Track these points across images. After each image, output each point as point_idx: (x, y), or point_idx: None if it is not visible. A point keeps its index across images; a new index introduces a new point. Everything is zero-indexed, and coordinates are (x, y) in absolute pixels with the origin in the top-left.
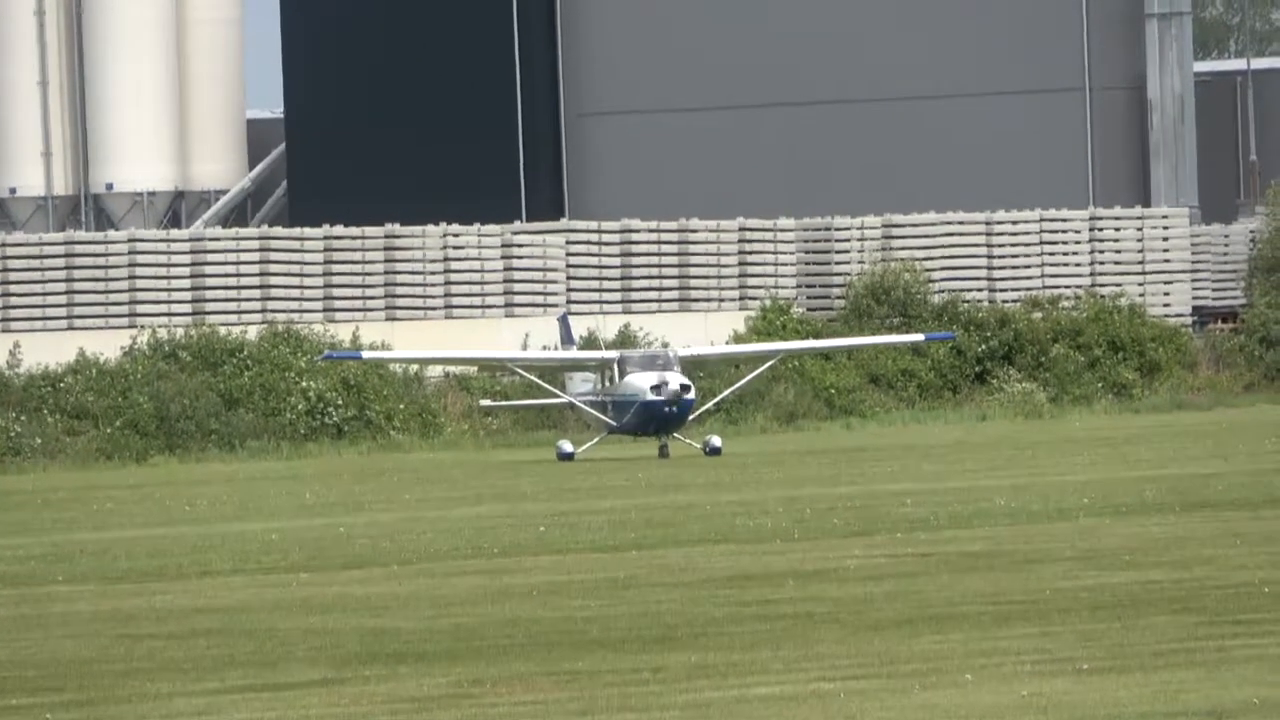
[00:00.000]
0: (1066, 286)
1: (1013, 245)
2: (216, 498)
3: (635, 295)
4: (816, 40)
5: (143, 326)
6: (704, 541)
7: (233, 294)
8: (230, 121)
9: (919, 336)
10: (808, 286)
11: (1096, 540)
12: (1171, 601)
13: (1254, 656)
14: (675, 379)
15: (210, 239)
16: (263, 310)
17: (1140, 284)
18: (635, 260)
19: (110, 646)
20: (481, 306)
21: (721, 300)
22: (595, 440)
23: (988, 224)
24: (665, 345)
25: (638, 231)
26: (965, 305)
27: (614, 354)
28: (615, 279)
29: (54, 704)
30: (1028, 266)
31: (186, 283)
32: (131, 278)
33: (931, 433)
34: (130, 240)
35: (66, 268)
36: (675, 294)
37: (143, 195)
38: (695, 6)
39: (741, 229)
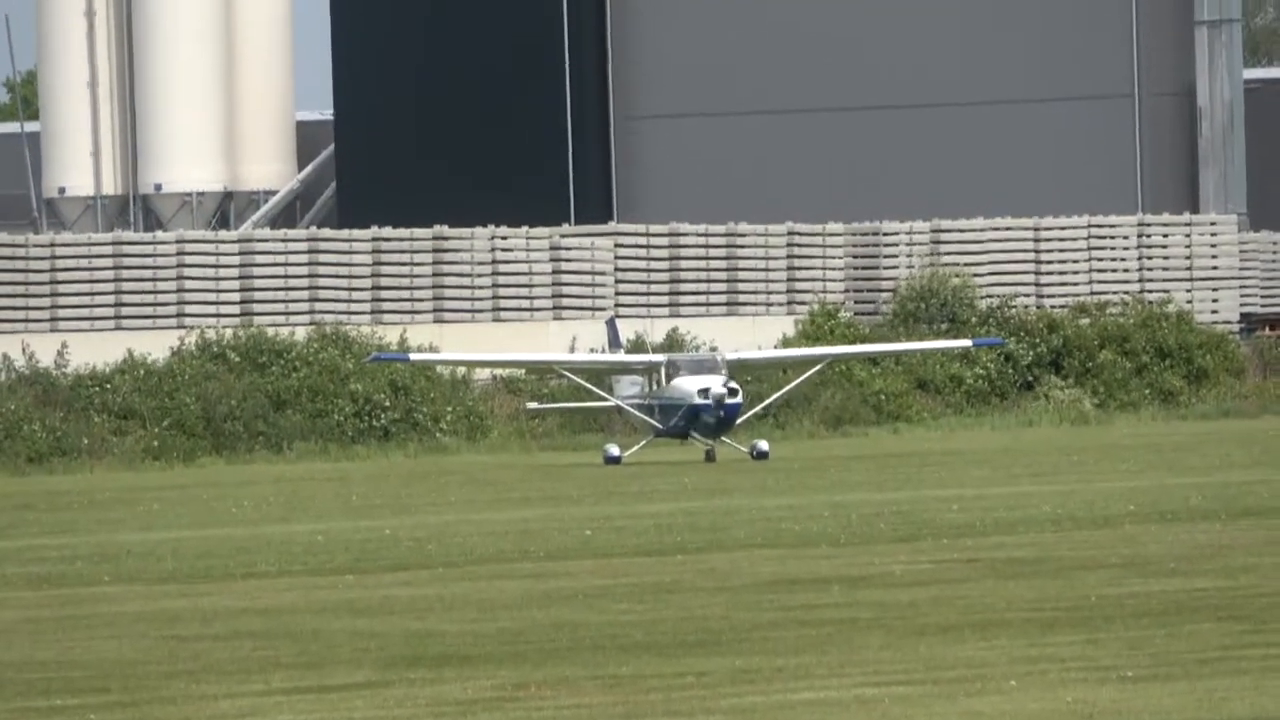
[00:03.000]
0: (1114, 292)
1: (1061, 251)
2: (263, 499)
3: (683, 299)
4: (866, 45)
5: (191, 327)
6: (750, 546)
7: (281, 295)
8: (279, 123)
9: (967, 342)
10: (856, 291)
11: (1142, 547)
12: (1217, 609)
13: None
14: (722, 383)
15: (259, 240)
16: (311, 311)
17: (1188, 290)
18: (683, 264)
19: (155, 647)
20: (529, 309)
21: (769, 304)
22: (642, 444)
23: (1036, 229)
24: (713, 349)
25: (686, 235)
26: (1013, 310)
27: (661, 357)
28: (663, 282)
29: (99, 705)
30: (1076, 272)
31: (235, 284)
32: (180, 278)
33: (978, 439)
34: (178, 241)
35: (115, 268)
36: (723, 298)
37: (191, 196)
38: (745, 11)
39: (790, 233)
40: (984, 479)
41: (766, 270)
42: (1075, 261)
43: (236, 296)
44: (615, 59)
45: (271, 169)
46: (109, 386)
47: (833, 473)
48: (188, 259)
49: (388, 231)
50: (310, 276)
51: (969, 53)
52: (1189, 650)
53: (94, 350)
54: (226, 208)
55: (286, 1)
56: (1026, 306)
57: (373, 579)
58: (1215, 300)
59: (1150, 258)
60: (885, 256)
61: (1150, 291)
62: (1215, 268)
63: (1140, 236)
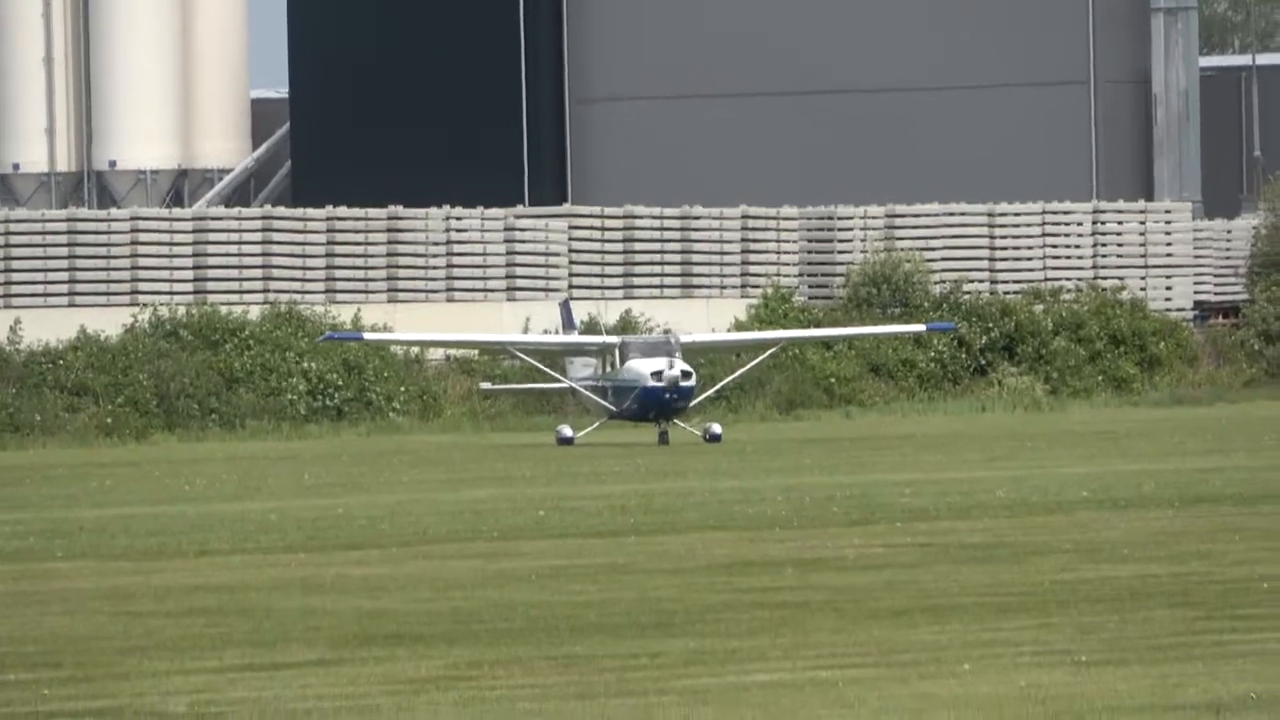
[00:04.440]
0: (1068, 279)
1: (1015, 237)
2: (216, 477)
3: (637, 281)
4: (822, 29)
5: (144, 305)
6: (703, 528)
7: (234, 274)
8: (234, 101)
9: (920, 327)
10: (810, 275)
11: (1095, 533)
12: (1170, 595)
13: (1252, 651)
14: (676, 365)
15: (213, 218)
16: (264, 290)
17: (1142, 278)
18: (638, 246)
19: (108, 624)
20: (483, 290)
21: (723, 287)
22: (595, 425)
23: (990, 215)
24: (667, 331)
25: (640, 217)
26: (966, 295)
27: (615, 339)
28: (617, 264)
29: (52, 680)
30: (1030, 259)
31: (188, 261)
32: (134, 255)
33: (931, 423)
34: (133, 218)
35: (69, 244)
36: (677, 280)
37: (146, 173)
38: None
39: (744, 216)
40: (937, 464)
41: (721, 253)
42: (1030, 248)
43: (190, 274)
44: (571, 41)
45: (226, 147)
46: (62, 363)
47: (785, 456)
48: (142, 236)
49: (342, 211)
50: (264, 255)
51: (925, 38)
52: (1142, 636)
53: (47, 327)
54: (181, 185)
55: None
56: (980, 293)
57: (326, 557)
58: (1169, 288)
59: (1105, 244)
60: (839, 241)
61: (1104, 278)
62: (1170, 255)
63: (1095, 223)
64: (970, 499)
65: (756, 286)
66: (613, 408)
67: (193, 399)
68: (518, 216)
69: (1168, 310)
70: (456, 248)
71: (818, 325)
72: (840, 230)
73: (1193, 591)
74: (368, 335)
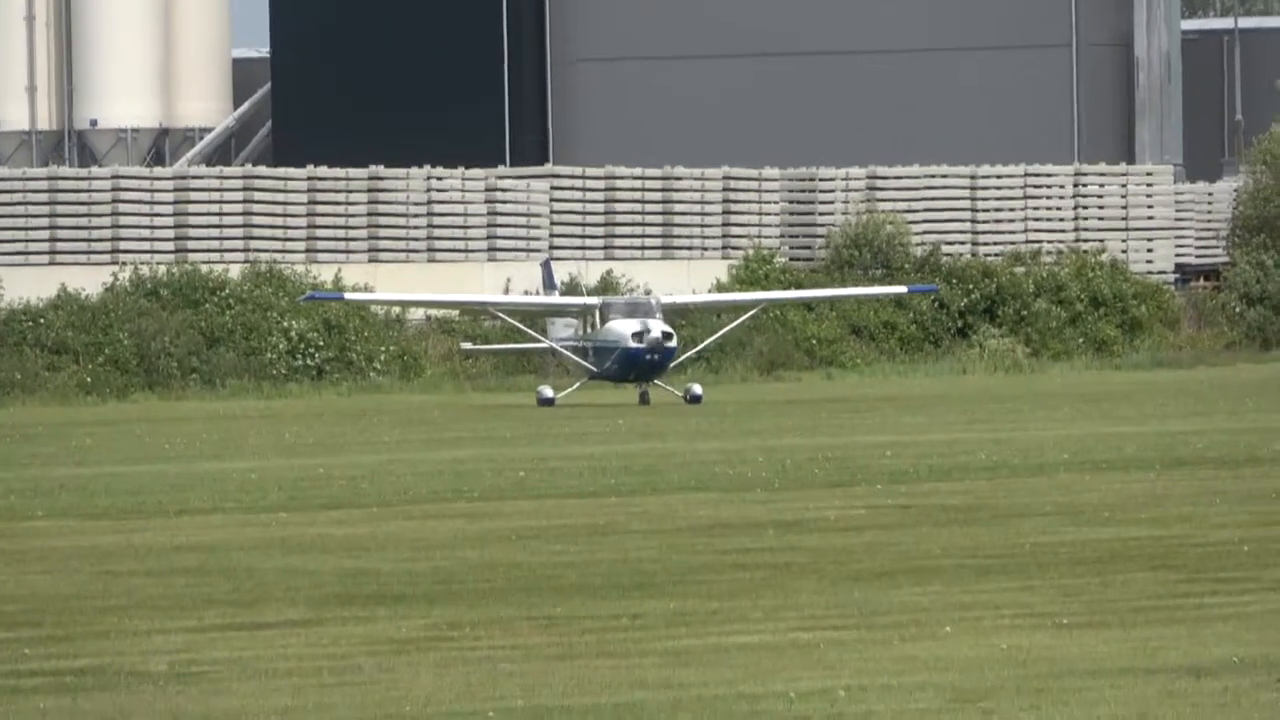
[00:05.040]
0: (1049, 241)
1: (997, 199)
2: (196, 436)
3: (618, 242)
4: None
5: (125, 263)
6: (684, 489)
7: (215, 233)
8: (216, 60)
9: (902, 289)
10: (791, 237)
11: (1076, 496)
12: (1151, 558)
13: (1233, 614)
14: (657, 326)
15: (194, 177)
16: (245, 249)
17: (1123, 240)
18: (619, 207)
19: (89, 583)
20: (464, 250)
21: (705, 249)
22: (576, 386)
23: (972, 178)
24: (648, 292)
25: (622, 178)
26: (947, 258)
27: (596, 300)
28: (599, 225)
29: (32, 639)
30: (1011, 221)
31: (169, 220)
32: (114, 214)
33: (912, 385)
34: (114, 177)
35: (50, 203)
36: (659, 241)
37: (127, 132)
38: None
39: (726, 178)
40: (918, 425)
41: (702, 214)
42: (1011, 210)
43: (171, 233)
44: (553, 1)
45: (207, 106)
46: (43, 321)
47: (766, 417)
48: (123, 195)
49: (323, 170)
50: (245, 214)
51: (908, 0)
52: (1123, 598)
53: (28, 285)
54: (161, 144)
55: None
56: (961, 254)
57: (306, 517)
58: (1150, 250)
59: (1086, 207)
60: (821, 202)
61: (1086, 241)
62: (1151, 218)
63: (1076, 186)
64: (951, 461)
65: (738, 248)
66: (593, 368)
67: (173, 358)
68: (499, 177)
69: (1149, 273)
70: (437, 208)
71: (799, 287)
72: (822, 192)
73: (1174, 554)
74: (349, 295)
